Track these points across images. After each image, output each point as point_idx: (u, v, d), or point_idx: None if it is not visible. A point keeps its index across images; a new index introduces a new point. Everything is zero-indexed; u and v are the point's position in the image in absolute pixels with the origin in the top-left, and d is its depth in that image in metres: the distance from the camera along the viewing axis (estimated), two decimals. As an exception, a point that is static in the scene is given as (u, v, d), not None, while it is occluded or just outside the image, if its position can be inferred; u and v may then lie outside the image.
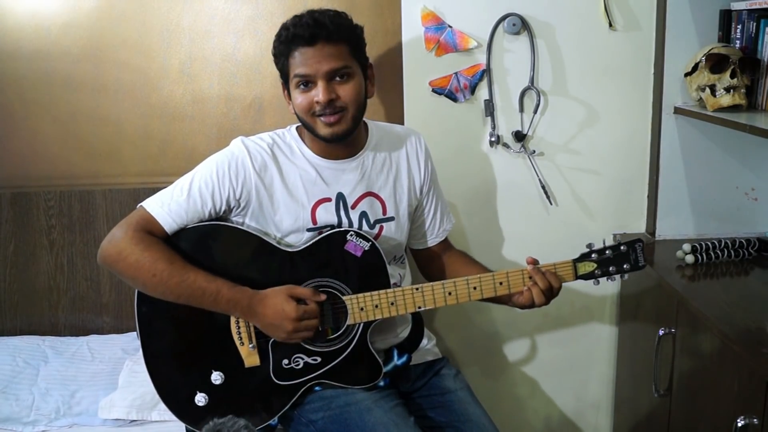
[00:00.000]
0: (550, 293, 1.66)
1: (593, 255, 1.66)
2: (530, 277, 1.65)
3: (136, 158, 2.37)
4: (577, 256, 1.68)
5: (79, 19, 2.28)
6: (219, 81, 2.34)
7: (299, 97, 1.64)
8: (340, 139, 1.66)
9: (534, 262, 1.66)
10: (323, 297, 1.63)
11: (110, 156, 2.37)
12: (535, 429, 2.51)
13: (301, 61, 1.61)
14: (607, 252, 1.66)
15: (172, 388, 1.68)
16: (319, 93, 1.61)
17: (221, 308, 1.61)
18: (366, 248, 1.66)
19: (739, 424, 1.51)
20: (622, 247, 1.66)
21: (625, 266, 1.66)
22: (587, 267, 1.66)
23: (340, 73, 1.62)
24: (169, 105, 2.35)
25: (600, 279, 1.67)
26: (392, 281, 1.71)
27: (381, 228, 1.77)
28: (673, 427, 1.95)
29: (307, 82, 1.62)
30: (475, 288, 1.66)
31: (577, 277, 1.67)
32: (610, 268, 1.66)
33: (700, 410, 1.80)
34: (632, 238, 2.26)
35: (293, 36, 1.61)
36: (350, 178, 1.74)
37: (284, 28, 1.65)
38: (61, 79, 2.31)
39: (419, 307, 1.67)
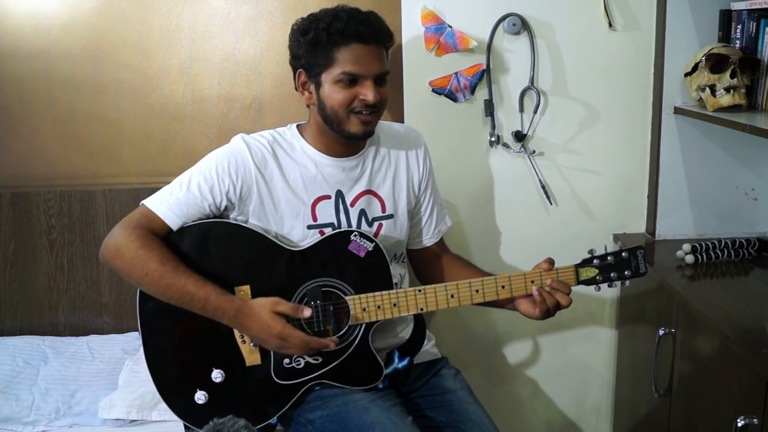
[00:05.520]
0: (557, 309, 1.66)
1: (595, 261, 1.66)
2: (539, 294, 1.64)
3: (136, 158, 2.37)
4: (578, 259, 1.68)
5: (79, 19, 2.28)
6: (219, 81, 2.34)
7: (338, 92, 1.61)
8: (367, 137, 1.68)
9: (550, 263, 1.66)
10: (308, 313, 1.61)
11: (110, 156, 2.37)
12: (536, 429, 2.51)
13: (355, 58, 1.60)
14: (608, 258, 1.66)
15: (172, 385, 1.68)
16: (369, 94, 1.60)
17: (209, 315, 1.60)
18: (369, 249, 1.66)
19: (739, 424, 1.51)
20: (623, 254, 1.66)
21: (626, 273, 1.66)
22: (589, 272, 1.67)
23: (383, 77, 1.64)
24: (169, 105, 2.35)
25: (601, 285, 1.68)
26: (393, 281, 1.71)
27: (380, 226, 1.77)
28: (673, 427, 1.95)
29: (351, 79, 1.61)
30: (477, 291, 1.66)
31: (579, 282, 1.67)
32: (611, 274, 1.66)
33: (700, 410, 1.80)
34: (632, 238, 2.29)
35: (354, 31, 1.59)
36: (350, 176, 1.74)
37: (336, 19, 1.60)
38: (61, 79, 2.31)
39: (421, 309, 1.67)
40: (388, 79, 1.67)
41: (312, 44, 1.62)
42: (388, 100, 1.69)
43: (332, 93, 1.62)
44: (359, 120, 1.63)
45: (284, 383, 1.68)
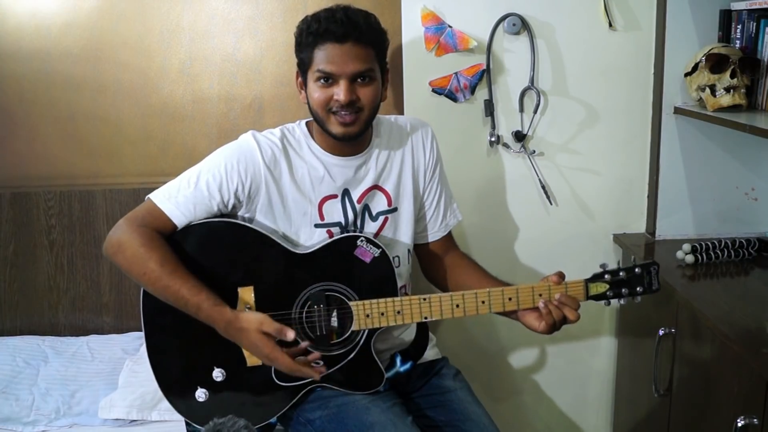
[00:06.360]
0: (563, 324, 1.62)
1: (606, 276, 1.60)
2: (546, 306, 1.60)
3: (136, 158, 2.37)
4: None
5: (79, 19, 2.28)
6: (219, 81, 2.34)
7: (317, 92, 1.62)
8: (351, 138, 1.66)
9: (561, 276, 1.61)
10: (291, 335, 1.55)
11: (110, 156, 2.37)
12: (536, 429, 2.51)
13: (328, 57, 1.59)
14: (620, 273, 1.60)
15: (174, 381, 1.68)
16: (341, 93, 1.59)
17: (203, 321, 1.59)
18: (376, 255, 1.65)
19: (739, 424, 1.51)
20: (636, 270, 1.59)
21: (638, 289, 1.60)
22: (599, 288, 1.61)
23: (363, 76, 1.61)
24: (169, 105, 2.35)
25: (611, 300, 1.63)
26: (402, 283, 1.69)
27: (385, 220, 1.76)
28: (673, 427, 1.95)
29: (329, 79, 1.61)
30: (483, 302, 1.62)
31: (588, 297, 1.62)
32: (623, 290, 1.60)
33: (700, 410, 1.80)
34: (632, 238, 2.29)
35: (325, 30, 1.59)
36: (358, 175, 1.73)
37: (315, 20, 1.61)
38: (61, 79, 2.31)
39: (425, 318, 1.64)
40: (377, 77, 1.64)
41: (298, 44, 1.66)
42: (378, 100, 1.66)
43: (312, 92, 1.63)
44: (337, 120, 1.62)
45: (285, 385, 1.68)
